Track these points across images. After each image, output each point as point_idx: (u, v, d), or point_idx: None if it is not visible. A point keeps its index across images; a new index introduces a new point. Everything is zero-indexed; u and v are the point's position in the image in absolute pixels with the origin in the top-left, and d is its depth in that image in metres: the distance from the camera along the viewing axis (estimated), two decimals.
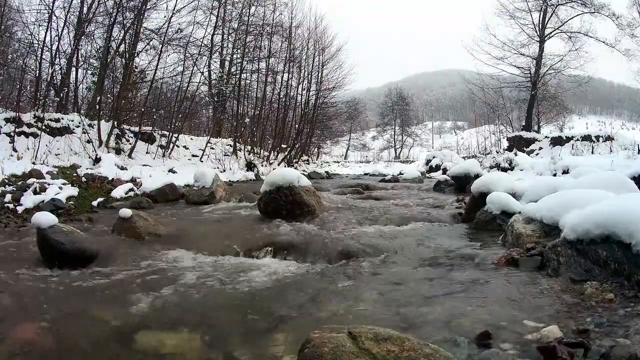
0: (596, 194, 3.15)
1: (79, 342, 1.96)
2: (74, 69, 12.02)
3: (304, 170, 16.30)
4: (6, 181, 6.33)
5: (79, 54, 12.19)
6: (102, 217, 5.49)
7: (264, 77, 17.59)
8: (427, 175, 16.10)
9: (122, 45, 11.98)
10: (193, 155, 13.82)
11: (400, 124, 49.10)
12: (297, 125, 20.49)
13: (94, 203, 6.41)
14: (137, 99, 13.72)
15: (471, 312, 2.08)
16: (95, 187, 7.21)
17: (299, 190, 5.26)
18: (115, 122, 11.05)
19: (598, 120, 57.30)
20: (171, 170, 10.28)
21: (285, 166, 16.19)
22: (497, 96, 22.55)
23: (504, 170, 11.62)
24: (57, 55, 11.10)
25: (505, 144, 20.82)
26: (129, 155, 10.86)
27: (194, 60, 13.93)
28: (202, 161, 13.37)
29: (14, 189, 6.07)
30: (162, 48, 12.72)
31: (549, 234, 3.22)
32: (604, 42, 18.98)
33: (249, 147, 16.04)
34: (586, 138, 16.37)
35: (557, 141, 17.19)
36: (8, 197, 5.76)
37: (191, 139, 15.37)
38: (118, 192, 7.08)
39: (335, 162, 31.78)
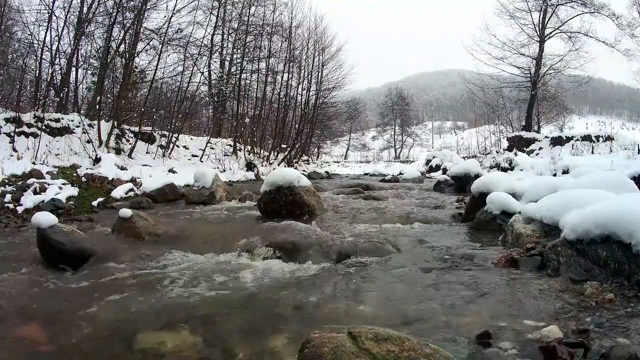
0: (596, 194, 3.15)
1: (79, 342, 1.96)
2: (74, 69, 12.04)
3: (304, 170, 16.29)
4: (6, 181, 6.33)
5: (79, 54, 12.23)
6: (102, 217, 5.50)
7: (264, 77, 17.61)
8: (427, 175, 16.11)
9: (122, 45, 12.00)
10: (193, 155, 13.82)
11: (400, 124, 49.11)
12: (297, 125, 20.49)
13: (94, 203, 6.41)
14: (137, 99, 13.72)
15: (471, 312, 2.08)
16: (95, 187, 7.21)
17: (299, 190, 5.26)
18: (115, 122, 11.05)
19: (598, 120, 57.33)
20: (171, 170, 10.28)
21: (285, 166, 16.19)
22: (497, 96, 22.55)
23: (504, 170, 11.63)
24: (57, 55, 11.13)
25: (505, 144, 20.82)
26: (129, 155, 10.86)
27: (194, 60, 13.95)
28: (202, 161, 13.37)
29: (14, 189, 6.07)
30: (162, 48, 12.75)
31: (549, 234, 3.22)
32: (604, 42, 19.00)
33: (249, 147, 16.04)
34: (586, 138, 16.37)
35: (557, 141, 17.20)
36: (8, 197, 5.76)
37: (191, 139, 15.37)
38: (118, 192, 7.08)
39: (335, 162, 31.78)
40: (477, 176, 7.47)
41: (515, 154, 13.65)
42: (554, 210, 3.23)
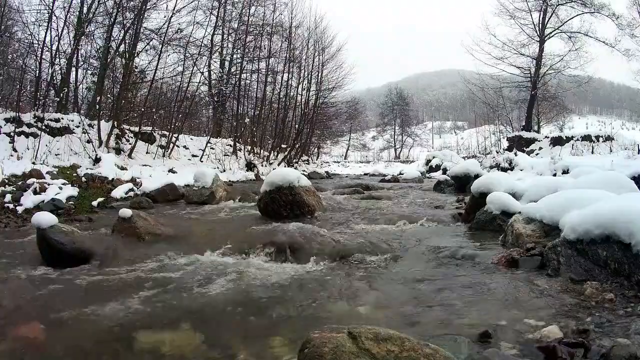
0: (596, 194, 3.15)
1: (79, 342, 1.96)
2: (74, 69, 12.03)
3: (304, 170, 16.29)
4: (6, 181, 6.33)
5: (79, 54, 12.21)
6: (102, 217, 5.50)
7: (264, 77, 17.60)
8: (427, 175, 16.12)
9: (122, 45, 12.01)
10: (193, 155, 13.82)
11: (400, 124, 49.14)
12: (297, 125, 20.48)
13: (94, 203, 6.41)
14: (137, 99, 13.71)
15: (471, 312, 2.08)
16: (95, 187, 7.21)
17: (299, 190, 5.26)
18: (115, 122, 11.04)
19: (598, 120, 57.41)
20: (171, 170, 10.29)
21: (285, 166, 16.19)
22: (497, 96, 22.51)
23: (504, 170, 11.63)
24: (57, 55, 11.12)
25: (505, 144, 20.82)
26: (129, 155, 10.86)
27: (194, 60, 13.94)
28: (202, 161, 13.37)
29: (14, 189, 6.07)
30: (162, 48, 12.73)
31: (549, 234, 3.22)
32: (604, 42, 18.99)
33: (249, 147, 16.03)
34: (586, 138, 16.39)
35: (557, 141, 17.21)
36: (8, 197, 5.76)
37: (191, 139, 15.36)
38: (118, 192, 7.08)
39: (335, 162, 31.81)
40: (477, 176, 7.47)
41: (515, 154, 13.65)
42: (554, 210, 3.23)
